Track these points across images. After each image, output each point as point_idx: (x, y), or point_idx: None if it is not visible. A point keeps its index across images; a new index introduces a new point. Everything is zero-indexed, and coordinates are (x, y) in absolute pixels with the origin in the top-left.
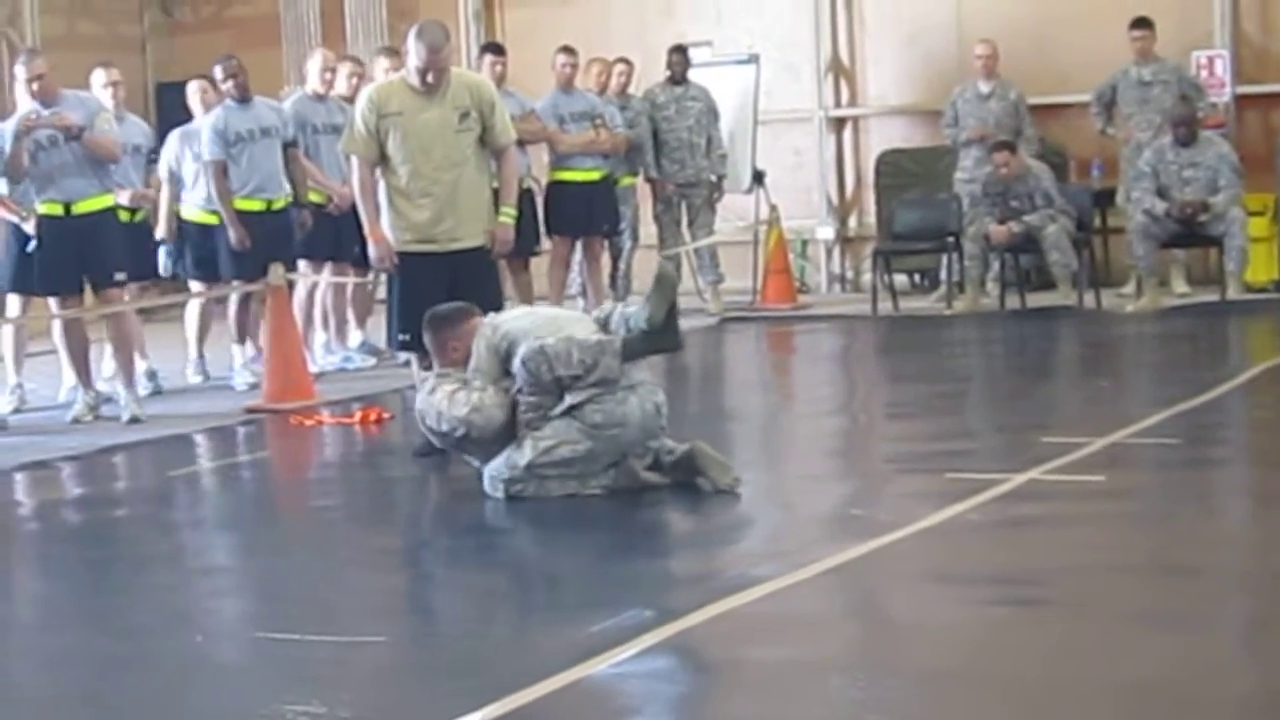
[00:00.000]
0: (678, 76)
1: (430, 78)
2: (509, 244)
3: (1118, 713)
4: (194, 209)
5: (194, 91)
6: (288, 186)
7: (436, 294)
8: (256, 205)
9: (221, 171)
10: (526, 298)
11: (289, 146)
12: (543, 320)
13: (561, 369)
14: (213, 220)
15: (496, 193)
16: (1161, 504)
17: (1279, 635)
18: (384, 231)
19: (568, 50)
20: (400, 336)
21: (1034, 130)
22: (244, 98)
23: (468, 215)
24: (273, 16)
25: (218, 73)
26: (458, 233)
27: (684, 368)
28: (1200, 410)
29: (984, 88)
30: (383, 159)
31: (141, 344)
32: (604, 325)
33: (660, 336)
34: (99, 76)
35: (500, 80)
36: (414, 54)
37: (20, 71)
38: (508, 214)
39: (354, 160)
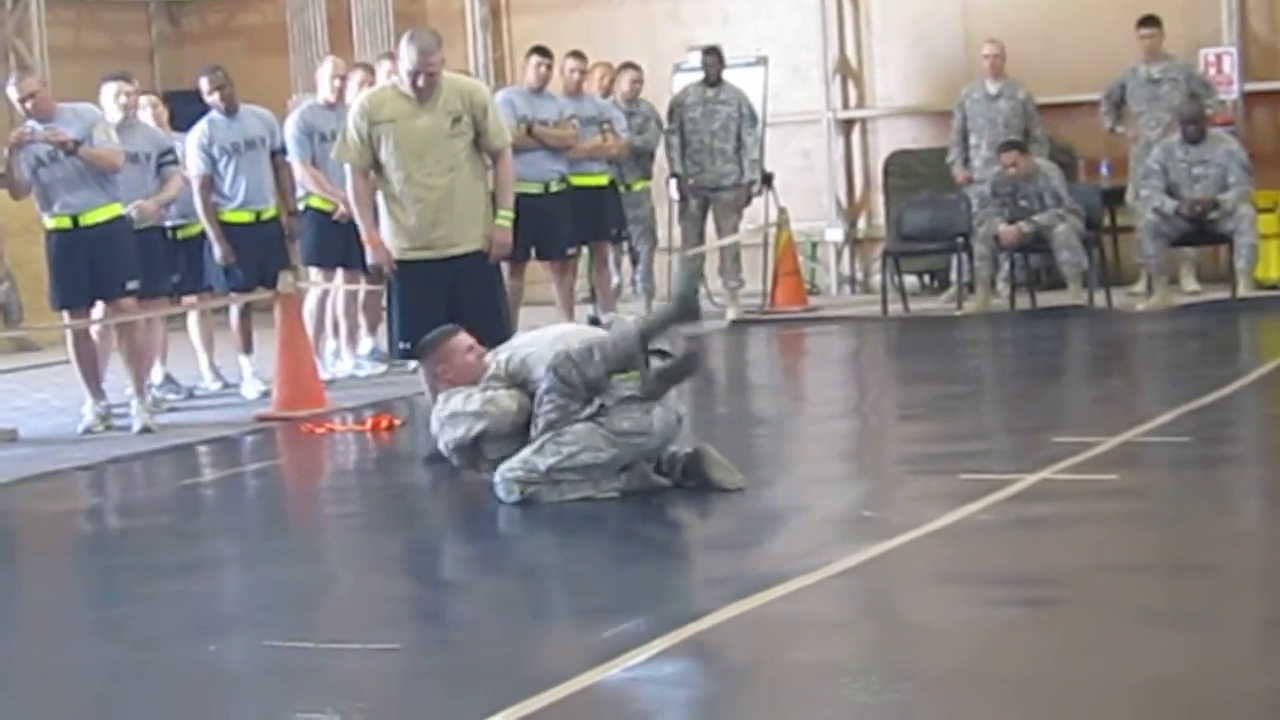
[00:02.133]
0: (711, 78)
1: (421, 81)
2: (507, 247)
3: (1132, 712)
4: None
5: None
6: (274, 198)
7: (436, 300)
8: (246, 217)
9: (207, 185)
10: (568, 300)
11: (275, 155)
12: (553, 337)
13: (591, 372)
14: (194, 231)
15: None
16: (1174, 503)
17: None
18: (381, 238)
19: (576, 55)
20: (401, 345)
21: (1043, 130)
22: (230, 109)
23: (464, 220)
24: (280, 25)
25: (204, 84)
26: (454, 238)
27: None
28: (1212, 408)
29: (992, 88)
30: (377, 166)
31: (163, 352)
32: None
33: (679, 314)
34: (109, 90)
35: (544, 83)
36: (405, 58)
37: (11, 92)
38: (505, 217)
39: (347, 169)
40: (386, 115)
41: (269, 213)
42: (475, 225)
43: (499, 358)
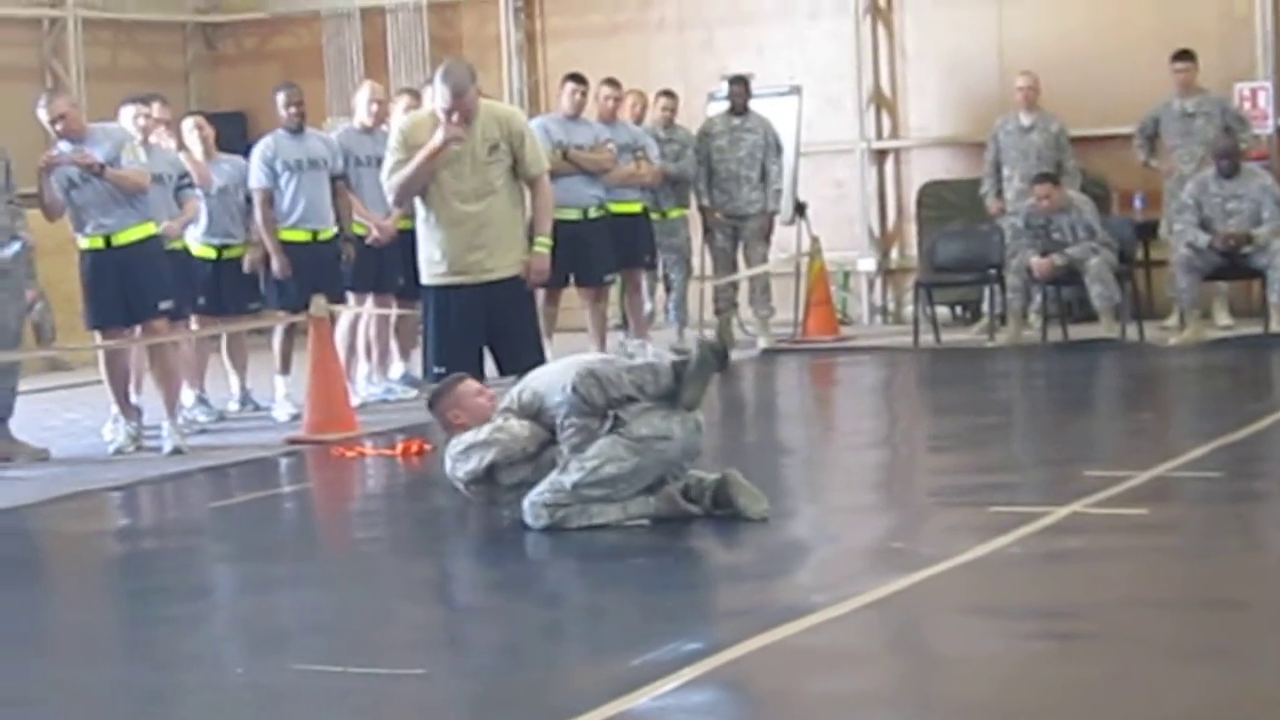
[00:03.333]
0: (737, 107)
1: (455, 119)
2: (544, 274)
3: None
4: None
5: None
6: (332, 219)
7: (472, 325)
8: (302, 236)
9: (267, 200)
10: (601, 327)
11: (336, 179)
12: (566, 364)
13: (614, 391)
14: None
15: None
16: (1205, 538)
17: None
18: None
19: (611, 83)
20: (435, 369)
21: (1075, 163)
22: (299, 128)
23: (499, 246)
24: (315, 49)
25: (280, 99)
26: (489, 264)
27: (727, 399)
28: (1244, 443)
29: (1025, 120)
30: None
31: (201, 373)
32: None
33: (714, 366)
34: (128, 112)
35: (579, 110)
36: (439, 95)
37: (42, 114)
38: (543, 244)
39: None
40: (424, 140)
41: (326, 234)
42: (512, 251)
43: (511, 392)
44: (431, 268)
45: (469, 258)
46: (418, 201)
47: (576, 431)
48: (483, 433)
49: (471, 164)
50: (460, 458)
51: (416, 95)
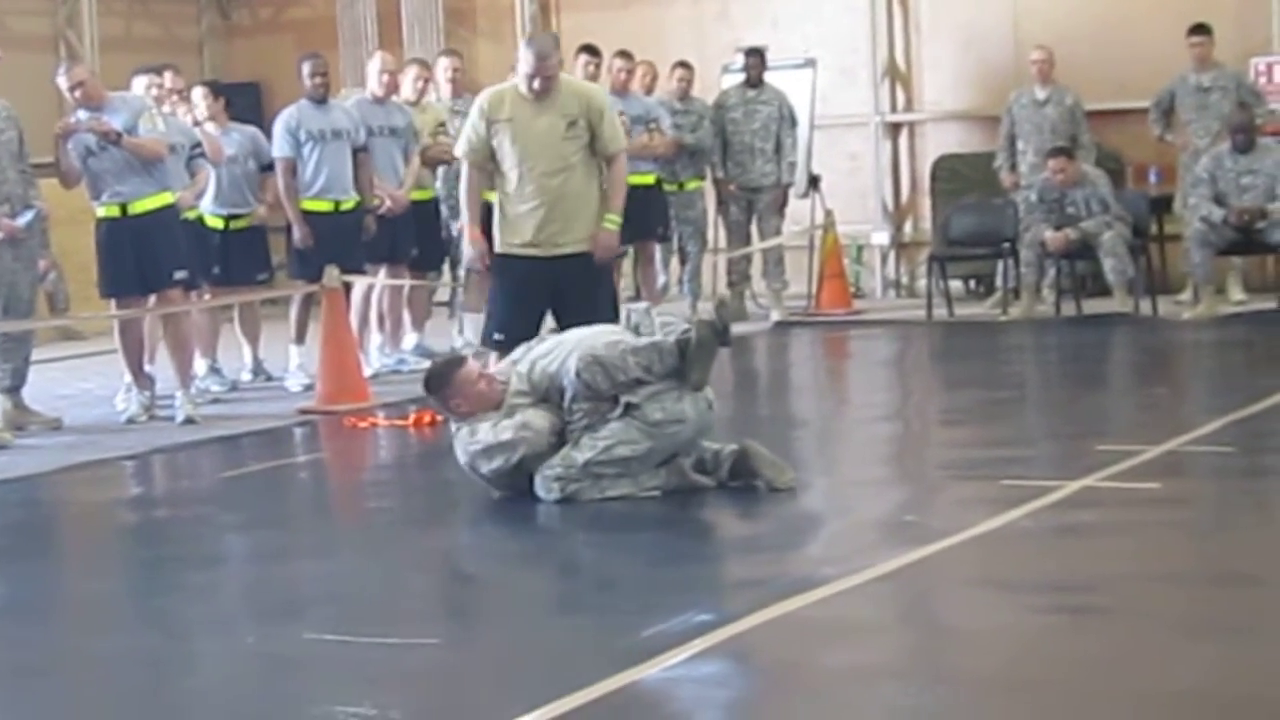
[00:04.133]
0: (752, 79)
1: (537, 84)
2: (611, 250)
3: None
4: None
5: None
6: (354, 190)
7: (538, 297)
8: (324, 206)
9: (289, 170)
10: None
11: (358, 151)
12: (573, 343)
13: (620, 375)
14: (218, 224)
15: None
16: (1217, 512)
17: None
18: (479, 233)
19: (624, 55)
20: (496, 336)
21: (1090, 137)
22: (323, 98)
23: (573, 221)
24: (330, 19)
25: (306, 68)
26: (561, 238)
27: (740, 372)
28: (1257, 418)
29: (1040, 93)
30: (495, 164)
31: (213, 343)
32: (637, 331)
33: (719, 343)
34: (140, 82)
35: (590, 80)
36: (523, 60)
37: (61, 81)
38: (612, 220)
39: (464, 164)
40: (505, 115)
41: (347, 204)
42: (585, 226)
43: (517, 369)
44: (505, 238)
45: (543, 232)
46: (498, 174)
47: (585, 415)
48: (504, 431)
49: (550, 138)
50: (482, 456)
51: (426, 66)
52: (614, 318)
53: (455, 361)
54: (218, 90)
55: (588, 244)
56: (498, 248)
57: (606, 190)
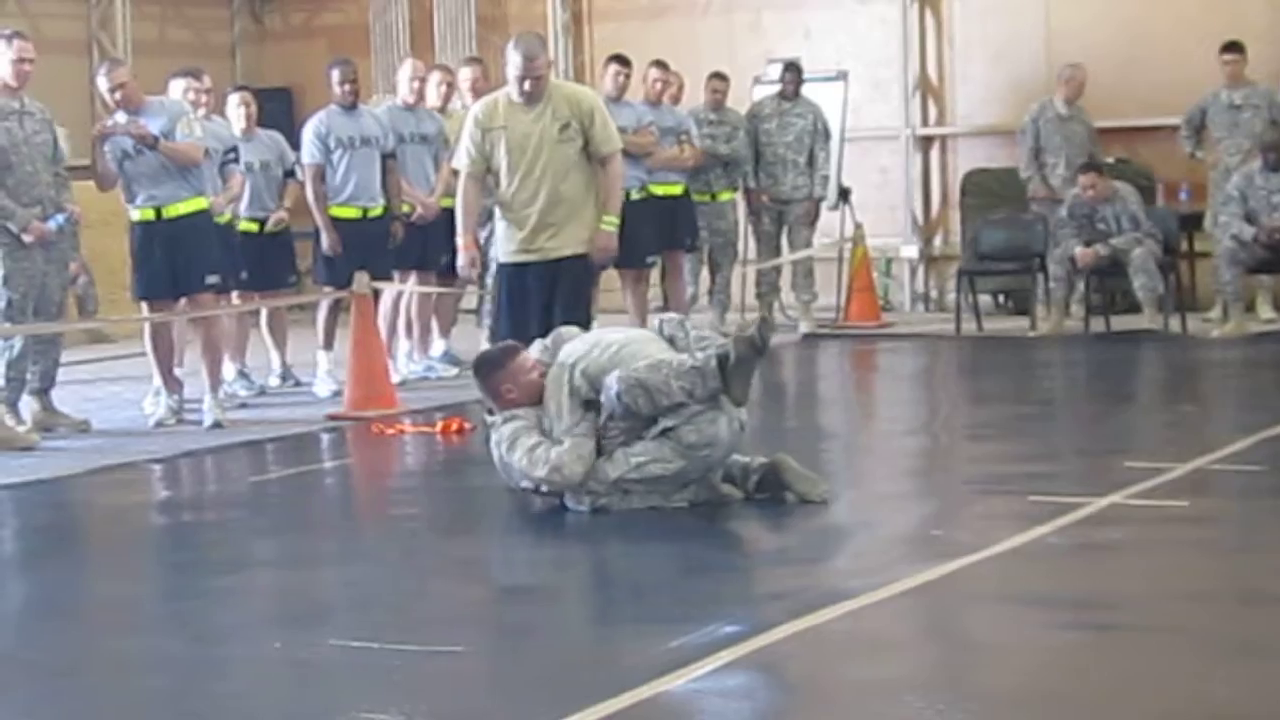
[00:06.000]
0: (787, 92)
1: (528, 86)
2: (610, 253)
3: None
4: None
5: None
6: (382, 197)
7: (536, 302)
8: (352, 213)
9: (318, 176)
10: (641, 309)
11: (387, 158)
12: (615, 347)
13: (664, 401)
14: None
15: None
16: (1245, 531)
17: None
18: (473, 242)
19: (660, 65)
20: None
21: (1100, 155)
22: (353, 105)
23: (570, 224)
24: (362, 26)
25: (335, 75)
26: (558, 241)
27: (768, 383)
28: None
29: (1064, 109)
30: (491, 173)
31: (242, 347)
32: (672, 342)
33: (748, 363)
34: (177, 85)
35: (622, 91)
36: (511, 64)
37: (102, 82)
38: (610, 222)
39: (461, 174)
40: (499, 123)
41: (375, 211)
42: (582, 229)
43: (568, 370)
44: (504, 245)
45: (540, 236)
46: (492, 181)
47: (621, 432)
48: (538, 465)
49: (544, 143)
50: (517, 478)
51: (449, 71)
52: (586, 321)
53: (511, 349)
54: (251, 97)
55: (584, 246)
56: (501, 258)
57: (604, 192)
